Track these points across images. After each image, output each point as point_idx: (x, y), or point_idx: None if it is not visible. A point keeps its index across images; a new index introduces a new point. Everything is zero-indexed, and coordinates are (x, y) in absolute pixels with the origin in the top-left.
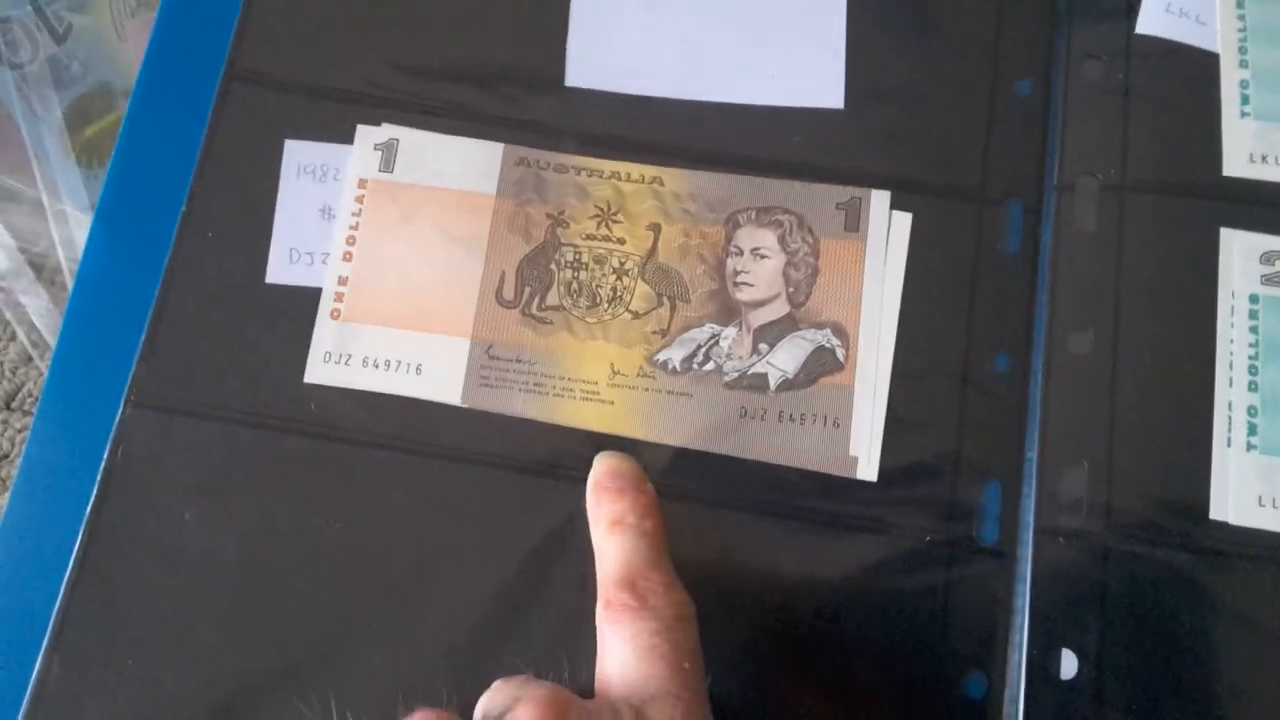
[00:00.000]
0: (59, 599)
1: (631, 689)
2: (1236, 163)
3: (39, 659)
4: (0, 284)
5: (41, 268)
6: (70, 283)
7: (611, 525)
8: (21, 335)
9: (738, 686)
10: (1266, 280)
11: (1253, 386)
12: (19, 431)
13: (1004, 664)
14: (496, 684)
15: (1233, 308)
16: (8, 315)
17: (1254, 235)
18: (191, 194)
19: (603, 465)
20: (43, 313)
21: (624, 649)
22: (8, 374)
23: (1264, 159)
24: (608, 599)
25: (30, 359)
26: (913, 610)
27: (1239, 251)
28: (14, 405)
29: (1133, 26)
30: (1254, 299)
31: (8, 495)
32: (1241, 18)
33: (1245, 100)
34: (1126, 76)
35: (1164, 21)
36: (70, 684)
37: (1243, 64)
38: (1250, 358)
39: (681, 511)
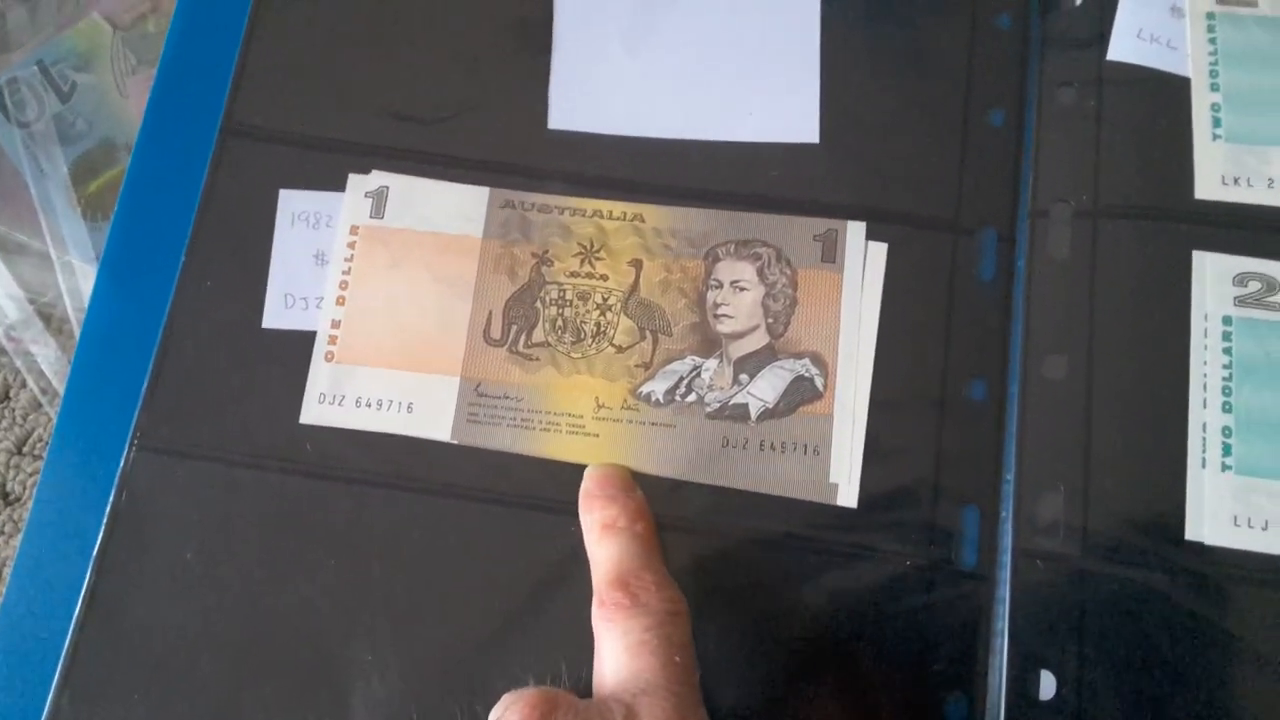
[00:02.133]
0: (69, 636)
1: (623, 685)
2: (1209, 185)
3: (50, 694)
4: (10, 334)
5: (50, 318)
6: (77, 332)
7: (603, 530)
8: (31, 383)
9: (722, 710)
10: (1239, 302)
11: (1227, 408)
12: (30, 475)
13: (984, 685)
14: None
15: (1206, 330)
16: (18, 364)
17: (1226, 257)
18: (191, 244)
19: (593, 475)
20: (51, 361)
21: (616, 646)
22: (19, 420)
23: (1235, 181)
24: (601, 599)
25: (40, 405)
26: (894, 633)
27: (1212, 274)
28: (25, 450)
29: (1104, 54)
30: (1227, 320)
31: (20, 537)
32: (1213, 41)
33: (1217, 123)
34: (1099, 103)
35: (1135, 47)
36: (80, 718)
37: (1214, 87)
38: (1224, 379)
39: (665, 540)
